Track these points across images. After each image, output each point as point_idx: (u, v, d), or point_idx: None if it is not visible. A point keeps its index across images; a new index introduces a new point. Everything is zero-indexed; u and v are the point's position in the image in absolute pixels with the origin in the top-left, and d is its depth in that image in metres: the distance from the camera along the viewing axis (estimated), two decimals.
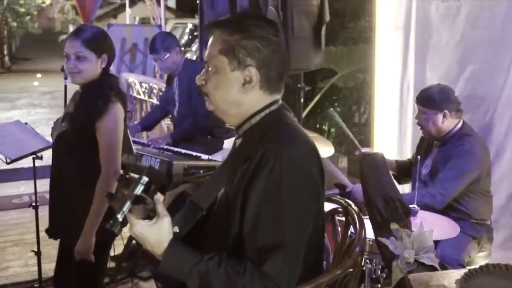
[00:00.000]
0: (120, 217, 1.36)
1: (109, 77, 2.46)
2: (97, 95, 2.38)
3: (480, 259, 2.87)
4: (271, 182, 1.44)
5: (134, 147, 3.18)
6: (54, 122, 2.60)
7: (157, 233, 1.42)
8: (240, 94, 1.54)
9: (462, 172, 2.81)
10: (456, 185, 2.80)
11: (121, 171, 1.47)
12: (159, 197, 1.45)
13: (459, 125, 2.92)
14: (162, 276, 1.64)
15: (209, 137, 3.82)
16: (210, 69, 1.55)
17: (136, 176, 1.41)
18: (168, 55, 3.72)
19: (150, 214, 1.43)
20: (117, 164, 2.35)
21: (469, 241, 2.85)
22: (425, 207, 2.72)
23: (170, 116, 4.23)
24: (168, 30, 10.10)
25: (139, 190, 1.39)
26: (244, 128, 1.59)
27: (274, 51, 1.54)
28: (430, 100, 2.91)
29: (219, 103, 1.56)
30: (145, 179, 1.40)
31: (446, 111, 2.87)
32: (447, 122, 2.90)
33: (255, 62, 1.52)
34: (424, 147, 3.11)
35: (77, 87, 2.50)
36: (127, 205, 1.37)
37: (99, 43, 2.42)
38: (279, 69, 1.57)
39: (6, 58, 19.86)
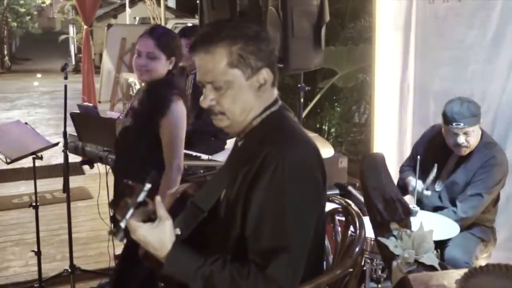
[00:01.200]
0: (123, 224, 1.36)
1: (174, 77, 2.57)
2: (161, 94, 2.47)
3: (482, 260, 2.88)
4: (273, 184, 1.43)
5: None
6: (117, 118, 2.71)
7: (159, 236, 1.42)
8: (257, 98, 1.54)
9: (494, 185, 2.81)
10: (486, 200, 2.82)
11: (124, 179, 1.47)
12: (160, 200, 1.45)
13: (480, 133, 2.89)
14: (163, 276, 1.64)
15: (212, 138, 3.80)
16: (220, 86, 1.49)
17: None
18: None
19: (151, 217, 1.43)
20: (180, 160, 2.44)
21: (477, 243, 2.86)
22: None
23: None
24: None
25: (142, 197, 1.39)
26: (245, 130, 1.57)
27: (269, 45, 1.54)
28: (477, 117, 2.81)
29: (237, 116, 1.53)
30: (148, 186, 1.40)
31: (481, 121, 2.86)
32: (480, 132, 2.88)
33: (264, 63, 1.52)
34: (434, 151, 3.01)
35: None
36: (130, 212, 1.37)
37: (171, 45, 2.52)
38: (277, 60, 1.58)
39: (6, 58, 19.87)
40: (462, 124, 2.78)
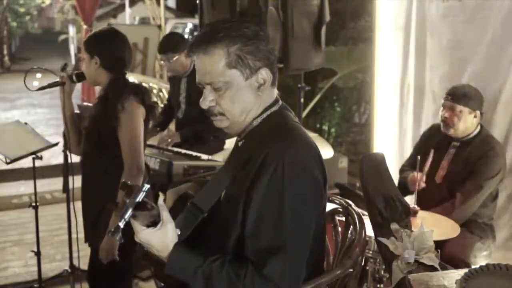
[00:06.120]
0: (121, 224, 1.36)
1: (120, 78, 2.50)
2: (112, 97, 2.43)
3: (482, 258, 2.87)
4: (273, 185, 1.43)
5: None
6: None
7: (162, 238, 1.43)
8: (257, 98, 1.54)
9: (493, 176, 2.82)
10: (486, 190, 2.82)
11: (123, 180, 1.47)
12: (163, 202, 1.45)
13: (479, 127, 2.93)
14: (163, 276, 1.64)
15: (212, 138, 3.80)
16: (219, 87, 1.50)
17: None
18: (176, 57, 3.62)
19: (156, 220, 1.43)
20: (139, 159, 2.38)
21: (476, 241, 2.86)
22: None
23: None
24: (168, 30, 10.07)
25: (141, 197, 1.39)
26: (246, 131, 1.58)
27: (268, 45, 1.54)
28: (468, 98, 2.85)
29: (237, 117, 1.53)
30: (147, 186, 1.40)
31: (478, 112, 2.88)
32: (474, 123, 2.89)
33: (263, 63, 1.52)
34: (434, 146, 3.01)
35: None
36: (129, 212, 1.37)
37: (92, 44, 2.50)
38: (276, 60, 1.58)
39: (6, 58, 19.85)
40: (450, 97, 2.87)
